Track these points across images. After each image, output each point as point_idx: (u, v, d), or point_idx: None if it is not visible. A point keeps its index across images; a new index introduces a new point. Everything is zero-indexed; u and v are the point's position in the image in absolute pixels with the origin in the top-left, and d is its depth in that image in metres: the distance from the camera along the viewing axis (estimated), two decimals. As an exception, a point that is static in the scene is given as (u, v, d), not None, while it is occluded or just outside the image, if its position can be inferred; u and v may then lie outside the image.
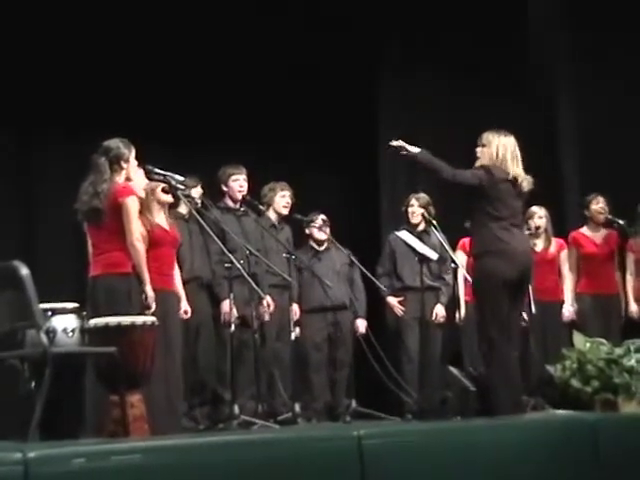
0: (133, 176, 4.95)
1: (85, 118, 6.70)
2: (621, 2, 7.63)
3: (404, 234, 6.71)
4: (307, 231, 6.89)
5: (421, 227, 6.95)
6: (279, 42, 7.53)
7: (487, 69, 7.92)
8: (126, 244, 4.75)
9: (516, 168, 5.07)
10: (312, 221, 6.77)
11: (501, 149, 5.07)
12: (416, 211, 6.93)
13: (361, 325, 6.88)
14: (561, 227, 7.25)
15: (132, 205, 4.76)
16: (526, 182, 5.10)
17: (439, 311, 6.93)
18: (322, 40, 7.65)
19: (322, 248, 6.91)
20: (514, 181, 5.06)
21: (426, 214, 6.79)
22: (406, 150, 5.06)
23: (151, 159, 5.24)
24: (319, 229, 6.80)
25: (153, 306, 4.81)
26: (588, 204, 7.16)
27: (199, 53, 7.29)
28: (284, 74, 7.62)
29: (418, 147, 5.08)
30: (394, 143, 5.08)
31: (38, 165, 7.00)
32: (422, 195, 6.95)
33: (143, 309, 4.74)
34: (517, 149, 5.11)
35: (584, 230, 7.19)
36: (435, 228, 6.49)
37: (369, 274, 6.81)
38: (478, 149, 5.15)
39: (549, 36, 8.04)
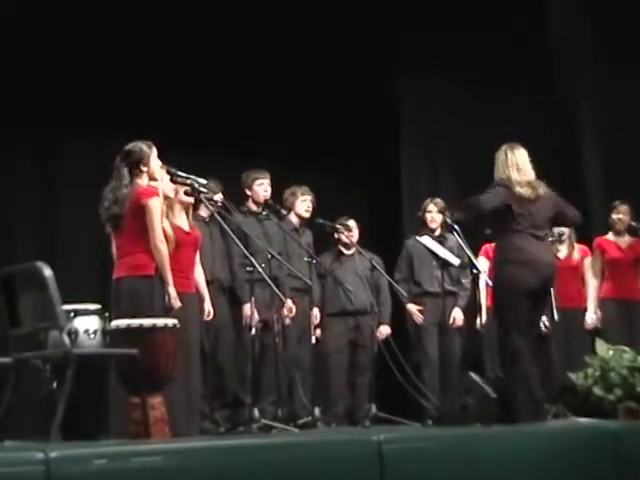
0: (157, 175, 4.87)
1: (106, 120, 6.73)
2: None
3: (426, 239, 6.68)
4: (336, 235, 6.88)
5: (437, 232, 6.94)
6: (304, 51, 7.56)
7: (510, 75, 7.90)
8: (149, 246, 4.70)
9: (523, 176, 5.06)
10: (341, 225, 6.74)
11: (506, 169, 5.06)
12: (435, 217, 6.92)
13: (384, 331, 6.86)
14: (586, 234, 7.20)
15: (155, 206, 4.69)
16: (530, 188, 5.07)
17: (457, 315, 6.92)
18: (345, 49, 7.66)
19: (349, 252, 6.91)
20: (530, 189, 5.04)
21: (449, 219, 6.78)
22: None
23: (173, 163, 5.25)
24: (348, 233, 6.79)
25: (178, 304, 4.77)
26: (610, 212, 7.13)
27: (222, 58, 7.32)
28: (308, 86, 7.63)
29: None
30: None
31: (58, 166, 7.03)
32: (439, 200, 6.96)
33: (166, 312, 4.73)
34: (514, 157, 5.10)
35: (609, 236, 7.16)
36: (457, 233, 6.47)
37: (391, 280, 6.82)
38: None
39: (572, 38, 7.99)
